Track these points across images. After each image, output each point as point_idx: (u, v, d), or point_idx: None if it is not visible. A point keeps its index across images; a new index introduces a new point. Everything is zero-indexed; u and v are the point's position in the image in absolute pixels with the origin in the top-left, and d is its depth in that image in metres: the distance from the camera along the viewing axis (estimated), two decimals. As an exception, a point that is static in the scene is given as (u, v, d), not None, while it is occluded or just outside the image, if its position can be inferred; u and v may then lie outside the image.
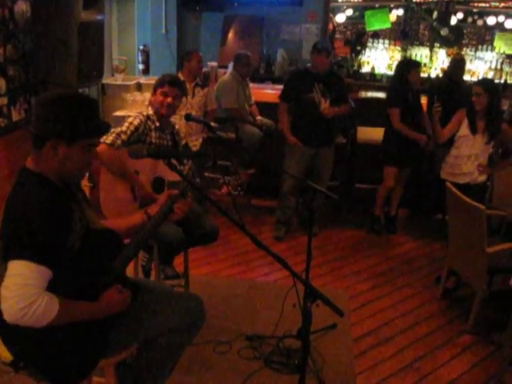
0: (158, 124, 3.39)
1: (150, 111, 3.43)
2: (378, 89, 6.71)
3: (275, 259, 2.13)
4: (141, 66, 7.62)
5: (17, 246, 1.83)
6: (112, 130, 3.23)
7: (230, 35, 7.42)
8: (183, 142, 5.01)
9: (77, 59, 3.89)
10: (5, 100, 4.00)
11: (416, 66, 5.05)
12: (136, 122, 3.27)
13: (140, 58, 7.59)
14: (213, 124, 3.71)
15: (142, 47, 7.51)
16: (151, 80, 6.01)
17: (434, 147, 4.98)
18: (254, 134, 5.58)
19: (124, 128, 3.21)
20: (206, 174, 5.57)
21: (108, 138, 3.12)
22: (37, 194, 1.90)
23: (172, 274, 3.60)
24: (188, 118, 3.54)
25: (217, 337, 3.46)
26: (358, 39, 7.91)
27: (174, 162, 3.09)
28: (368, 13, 7.44)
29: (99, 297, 2.04)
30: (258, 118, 5.77)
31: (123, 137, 3.16)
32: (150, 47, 7.48)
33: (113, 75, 6.64)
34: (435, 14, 7.84)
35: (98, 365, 2.09)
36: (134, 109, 5.84)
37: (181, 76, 5.01)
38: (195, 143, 5.09)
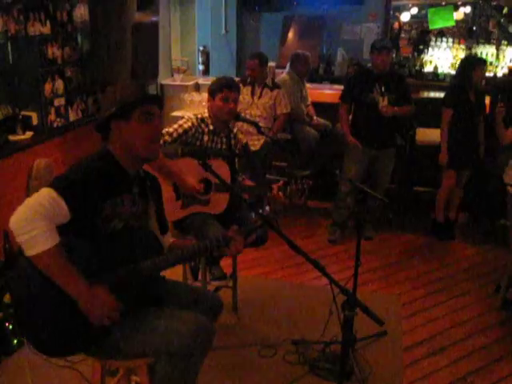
0: (211, 127, 3.38)
1: (206, 114, 3.41)
2: (441, 89, 6.47)
3: (314, 266, 2.06)
4: (201, 67, 7.68)
5: (54, 180, 1.99)
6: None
7: (290, 35, 7.38)
8: (244, 140, 5.00)
9: (130, 60, 3.93)
10: (62, 100, 4.11)
11: (481, 63, 4.80)
12: (186, 126, 3.27)
13: (200, 59, 7.66)
14: (262, 124, 3.65)
15: (201, 48, 7.57)
16: (209, 80, 6.04)
17: (499, 150, 4.75)
18: (311, 135, 5.51)
19: (171, 129, 3.22)
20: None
21: None
22: (94, 162, 2.09)
23: (219, 275, 3.59)
24: (237, 117, 3.49)
25: (262, 340, 3.42)
26: (422, 38, 7.67)
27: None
28: (431, 10, 7.20)
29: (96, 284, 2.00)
30: (315, 118, 5.69)
31: (166, 137, 3.16)
32: (210, 48, 7.52)
33: (172, 75, 6.72)
34: (505, 10, 7.51)
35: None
36: (191, 109, 5.87)
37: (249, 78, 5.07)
38: (255, 143, 5.04)
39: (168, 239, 2.43)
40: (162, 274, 2.30)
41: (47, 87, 3.96)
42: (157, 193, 2.36)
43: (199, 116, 3.38)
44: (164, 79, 6.50)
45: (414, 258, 4.75)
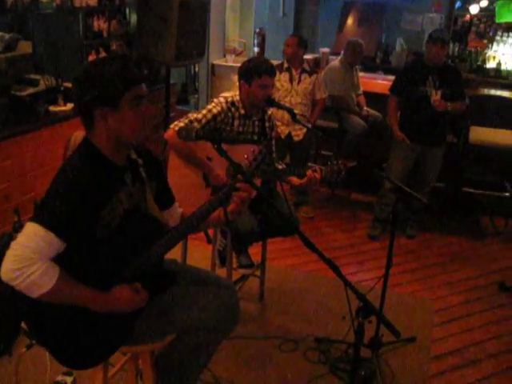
0: (242, 111, 3.22)
1: (237, 97, 3.24)
2: (503, 86, 6.15)
3: (328, 266, 1.93)
4: (256, 49, 7.59)
5: (38, 210, 1.81)
6: (189, 114, 3.14)
7: (349, 22, 7.18)
8: (286, 131, 4.87)
9: (176, 37, 3.85)
10: (106, 74, 4.09)
11: None
12: (215, 110, 3.12)
13: (255, 41, 7.56)
14: (296, 111, 3.47)
15: (258, 30, 7.46)
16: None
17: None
18: (359, 125, 5.34)
19: (199, 116, 3.08)
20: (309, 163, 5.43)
21: (178, 124, 3.02)
22: (77, 166, 1.84)
23: (246, 263, 3.48)
24: (271, 102, 3.29)
25: (285, 334, 3.32)
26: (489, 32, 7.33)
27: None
28: (499, 3, 6.81)
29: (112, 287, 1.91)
30: (365, 108, 5.50)
31: (195, 124, 3.02)
32: (267, 30, 7.41)
33: (224, 56, 6.66)
34: None
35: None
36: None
37: (285, 63, 4.86)
38: (298, 133, 4.91)
39: (176, 209, 2.28)
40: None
41: (91, 60, 3.94)
42: (154, 167, 2.13)
43: (229, 99, 3.20)
44: (216, 59, 6.46)
45: (456, 261, 4.52)
